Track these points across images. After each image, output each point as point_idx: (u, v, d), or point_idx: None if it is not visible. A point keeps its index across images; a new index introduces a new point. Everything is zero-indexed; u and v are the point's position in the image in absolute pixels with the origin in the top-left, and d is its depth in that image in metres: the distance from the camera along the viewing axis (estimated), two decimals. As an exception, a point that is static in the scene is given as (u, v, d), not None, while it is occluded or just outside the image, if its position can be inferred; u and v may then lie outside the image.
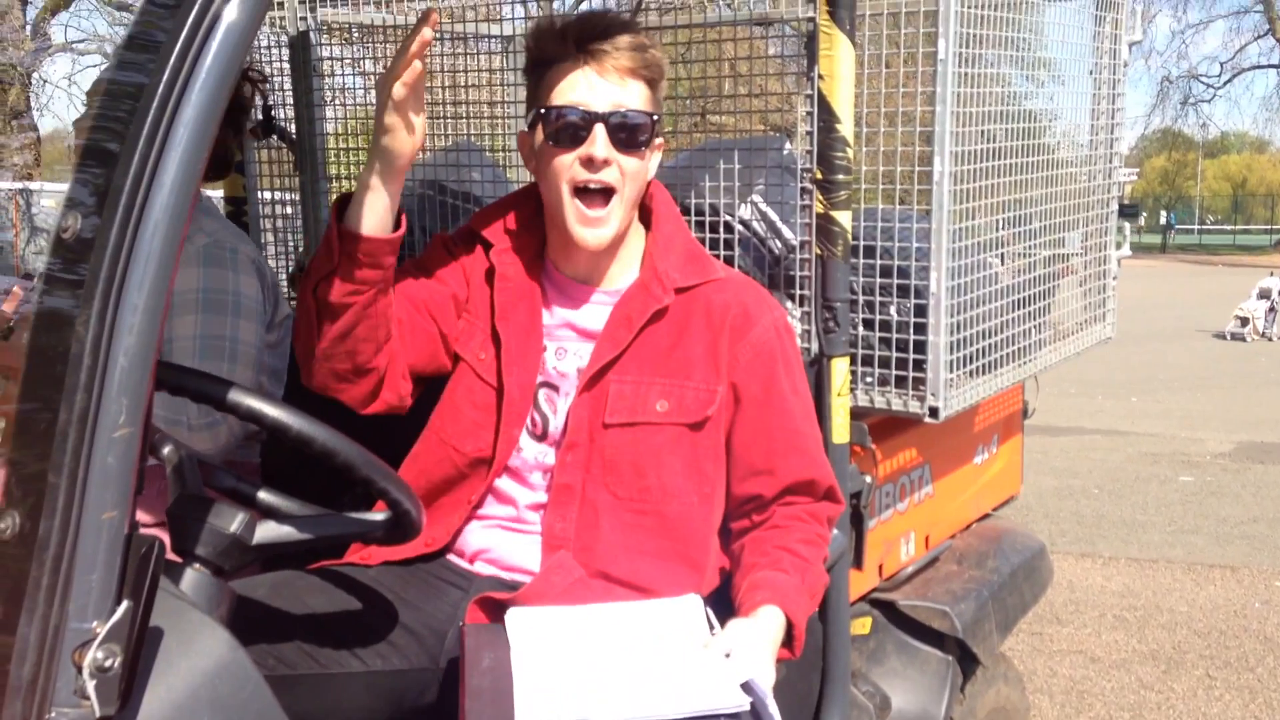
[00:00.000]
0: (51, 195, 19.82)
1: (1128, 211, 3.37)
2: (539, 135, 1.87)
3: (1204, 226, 57.11)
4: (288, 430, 1.53)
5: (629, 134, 1.84)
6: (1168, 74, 41.91)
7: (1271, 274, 18.87)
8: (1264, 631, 5.23)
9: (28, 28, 19.85)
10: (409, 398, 1.97)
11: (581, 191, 1.85)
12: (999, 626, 2.85)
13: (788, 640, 1.77)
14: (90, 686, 1.11)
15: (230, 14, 1.16)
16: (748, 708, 1.53)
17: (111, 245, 1.12)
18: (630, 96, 1.84)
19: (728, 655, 1.62)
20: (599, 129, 1.82)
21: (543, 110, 1.86)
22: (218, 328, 2.27)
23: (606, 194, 1.85)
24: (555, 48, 1.86)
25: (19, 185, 19.52)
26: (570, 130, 1.83)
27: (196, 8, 1.14)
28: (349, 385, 1.84)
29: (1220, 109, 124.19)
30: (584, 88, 1.83)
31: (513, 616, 1.67)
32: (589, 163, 1.82)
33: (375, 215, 1.73)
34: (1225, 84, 41.55)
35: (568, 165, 1.84)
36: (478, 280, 1.99)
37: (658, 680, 1.57)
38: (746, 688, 1.56)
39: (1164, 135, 50.55)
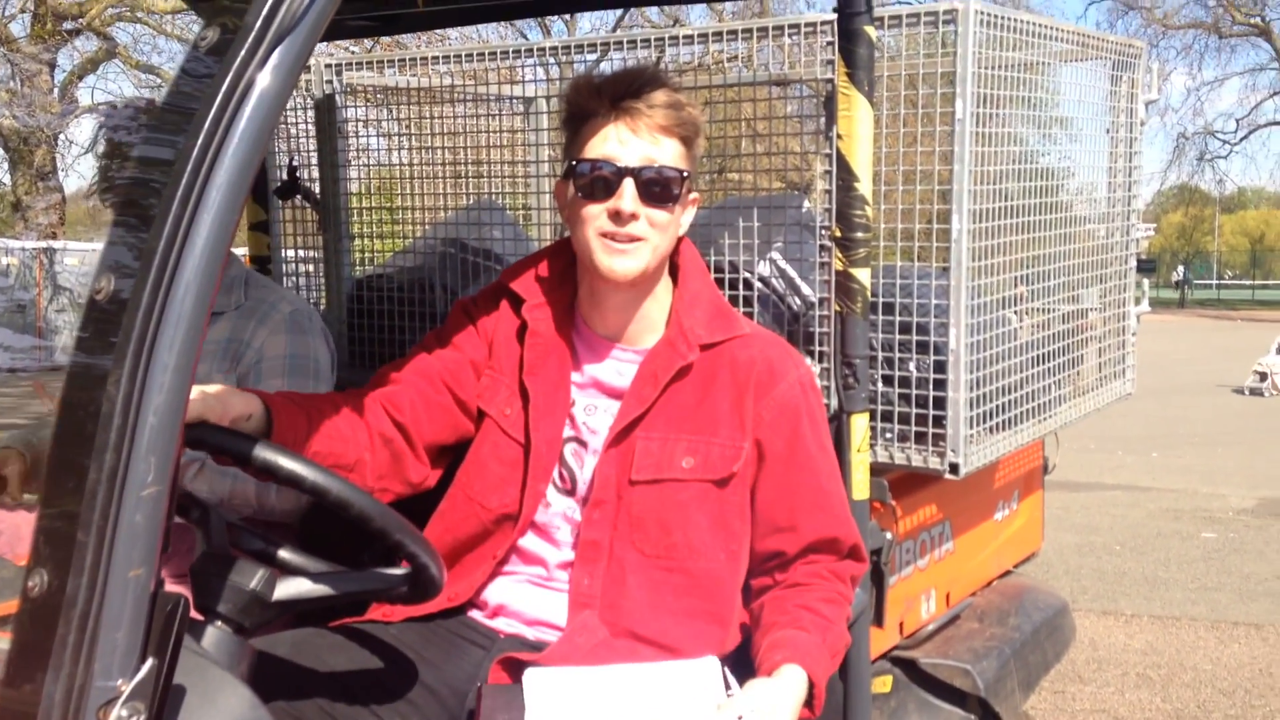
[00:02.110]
0: (75, 254, 20.07)
1: (1145, 267, 3.38)
2: (571, 187, 1.90)
3: (1222, 281, 56.98)
4: (302, 482, 1.55)
5: (660, 188, 1.86)
6: (1184, 130, 42.07)
7: (1291, 328, 18.79)
8: (1291, 691, 5.15)
9: (55, 91, 20.18)
10: (432, 477, 1.99)
11: (609, 238, 1.87)
12: (1021, 685, 2.82)
13: (808, 700, 1.75)
14: (115, 745, 1.11)
15: (263, 81, 1.18)
16: None
17: (144, 306, 1.14)
18: (663, 153, 1.87)
19: (741, 717, 1.61)
20: (628, 183, 1.84)
21: (575, 163, 1.89)
22: (301, 391, 2.32)
23: (635, 240, 1.88)
24: (591, 103, 1.89)
25: (43, 244, 19.77)
26: (601, 183, 1.86)
27: (230, 75, 1.17)
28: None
29: (1237, 165, 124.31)
30: (616, 143, 1.86)
31: (530, 677, 1.66)
32: (616, 216, 1.85)
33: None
34: (1241, 140, 41.63)
35: (595, 215, 1.86)
36: (504, 337, 2.01)
37: None
38: None
39: (1181, 191, 50.62)
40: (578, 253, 1.94)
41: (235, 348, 2.39)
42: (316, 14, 1.22)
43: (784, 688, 1.71)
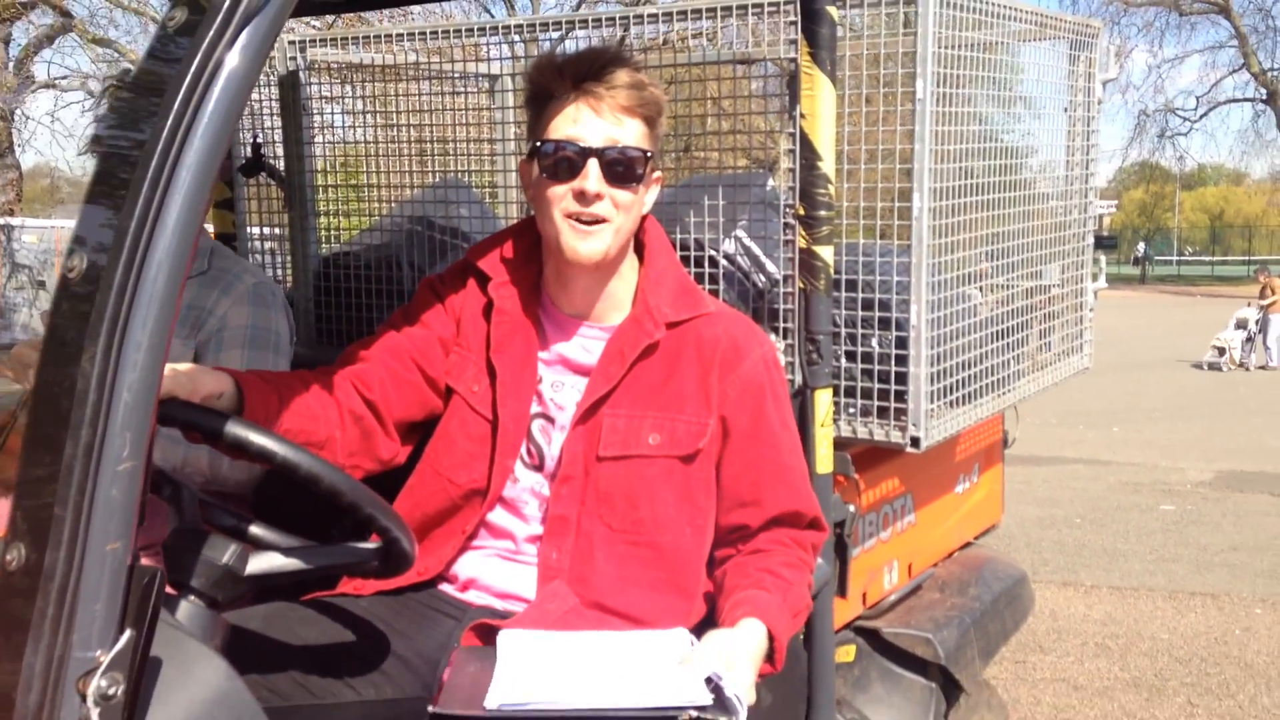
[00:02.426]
0: (33, 231, 19.79)
1: (1107, 243, 3.44)
2: (535, 167, 1.92)
3: (1183, 258, 57.57)
4: (274, 456, 1.57)
5: (624, 169, 1.88)
6: (1144, 107, 42.24)
7: (1248, 304, 19.08)
8: (1244, 658, 5.27)
9: (10, 65, 19.86)
10: (402, 454, 2.02)
11: (574, 218, 1.89)
12: (981, 653, 2.88)
13: (769, 656, 1.79)
14: (94, 714, 1.13)
15: (231, 62, 1.20)
16: (710, 702, 1.56)
17: (116, 284, 1.16)
18: (626, 133, 1.89)
19: (711, 680, 1.65)
20: (592, 164, 1.86)
21: (539, 144, 1.90)
22: (261, 364, 2.38)
23: (599, 222, 1.90)
24: (554, 83, 1.90)
25: (0, 221, 19.48)
26: (565, 164, 1.87)
27: (199, 56, 1.18)
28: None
29: (1197, 142, 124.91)
30: (579, 124, 1.88)
31: (504, 636, 1.70)
32: (581, 196, 1.87)
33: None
34: (1201, 117, 41.88)
35: (561, 196, 1.88)
36: (471, 315, 2.03)
37: (629, 680, 1.60)
38: (711, 684, 1.58)
39: (1142, 168, 50.98)
40: (543, 233, 1.96)
41: (196, 315, 2.42)
42: (285, -6, 1.23)
43: (743, 638, 1.75)
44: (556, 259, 1.95)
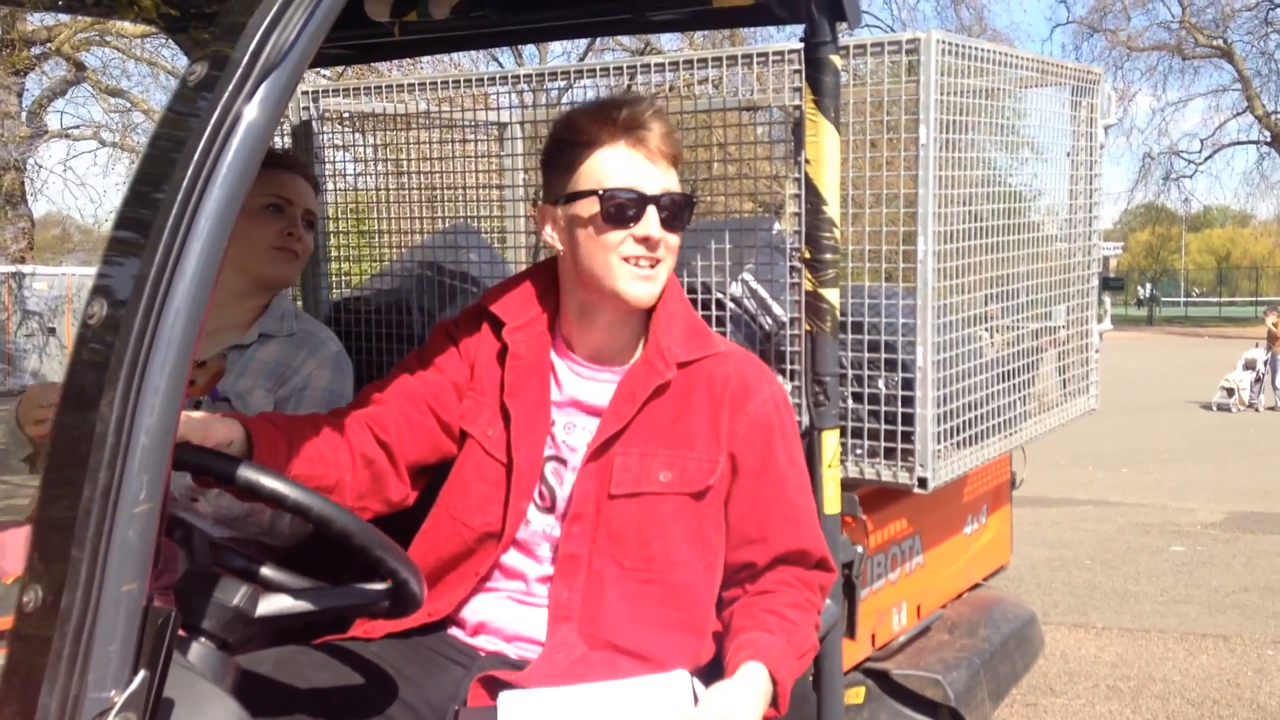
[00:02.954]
0: (44, 278, 19.95)
1: (1114, 285, 3.46)
2: (583, 211, 1.94)
3: (1190, 299, 57.55)
4: (284, 499, 1.59)
5: (673, 214, 1.95)
6: (1149, 150, 42.39)
7: (1256, 345, 19.07)
8: (1257, 700, 5.22)
9: (23, 115, 20.06)
10: (411, 496, 2.04)
11: (633, 262, 1.94)
12: (991, 695, 2.87)
13: (773, 700, 1.79)
14: (108, 755, 1.15)
15: (250, 114, 1.23)
16: None
17: (135, 330, 1.18)
18: (671, 180, 1.96)
19: None
20: (651, 210, 1.92)
21: (600, 191, 1.93)
22: None
23: (653, 263, 1.95)
24: (602, 131, 1.94)
25: (11, 269, 19.64)
26: (621, 210, 1.92)
27: (219, 109, 1.21)
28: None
29: (1202, 184, 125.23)
30: (636, 171, 1.93)
31: (505, 700, 1.70)
32: (645, 241, 1.92)
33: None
34: (1206, 160, 41.99)
35: (619, 240, 1.93)
36: (485, 359, 2.05)
37: None
38: None
39: (1148, 210, 51.11)
40: (589, 275, 1.97)
41: (282, 371, 2.52)
42: (302, 48, 1.27)
43: (744, 686, 1.75)
44: (592, 297, 1.98)
